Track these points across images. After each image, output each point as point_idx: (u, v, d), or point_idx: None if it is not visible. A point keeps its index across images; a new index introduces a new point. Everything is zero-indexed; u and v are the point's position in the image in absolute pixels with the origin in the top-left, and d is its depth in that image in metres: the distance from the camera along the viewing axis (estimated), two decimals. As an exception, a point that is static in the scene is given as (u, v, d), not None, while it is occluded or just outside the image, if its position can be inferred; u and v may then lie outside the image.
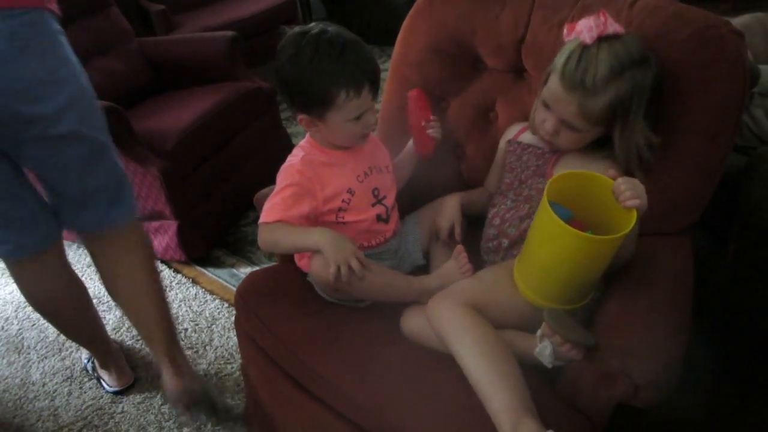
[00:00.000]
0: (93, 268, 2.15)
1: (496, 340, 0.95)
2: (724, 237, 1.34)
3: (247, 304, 1.20)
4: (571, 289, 0.97)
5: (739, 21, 1.65)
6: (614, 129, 1.04)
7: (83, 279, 2.10)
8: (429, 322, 1.01)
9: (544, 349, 0.91)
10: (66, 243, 2.29)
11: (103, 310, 1.96)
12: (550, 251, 0.95)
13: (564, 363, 0.93)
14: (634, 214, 0.88)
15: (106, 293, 2.01)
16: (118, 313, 1.93)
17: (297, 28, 1.09)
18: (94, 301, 1.99)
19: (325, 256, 1.02)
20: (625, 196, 0.89)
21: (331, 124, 1.12)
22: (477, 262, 1.19)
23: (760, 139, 1.44)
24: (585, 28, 1.01)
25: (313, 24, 1.09)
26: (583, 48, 1.02)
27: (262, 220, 1.13)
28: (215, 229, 2.25)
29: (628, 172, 1.06)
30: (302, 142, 1.22)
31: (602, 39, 1.01)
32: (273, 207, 1.12)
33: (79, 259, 2.24)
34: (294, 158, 1.19)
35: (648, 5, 1.13)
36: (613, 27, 1.01)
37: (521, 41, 1.29)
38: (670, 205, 1.09)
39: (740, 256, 1.33)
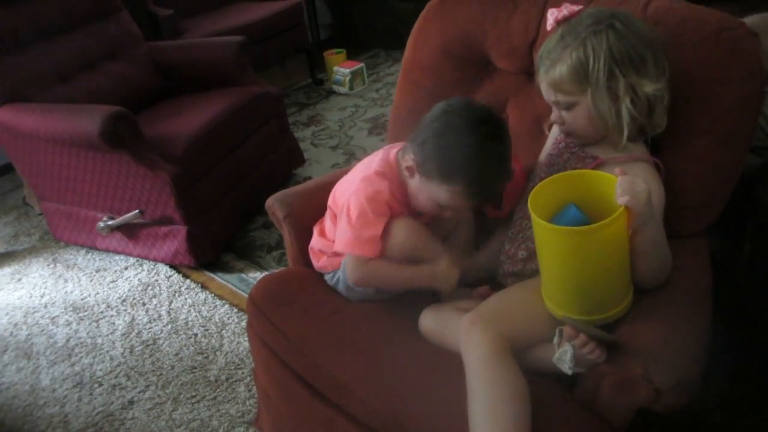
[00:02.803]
0: (101, 273, 2.16)
1: (521, 402, 0.90)
2: (740, 238, 1.33)
3: (260, 308, 1.19)
4: (586, 296, 0.95)
5: (750, 21, 1.63)
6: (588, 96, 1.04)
7: (92, 284, 2.12)
8: (461, 343, 0.98)
9: (564, 354, 0.90)
10: (75, 247, 2.33)
11: (113, 315, 1.95)
12: (547, 255, 0.95)
13: (584, 369, 0.92)
14: (623, 210, 0.86)
15: (117, 299, 2.02)
16: (127, 318, 1.93)
17: (485, 108, 1.09)
18: (103, 306, 2.00)
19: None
20: (617, 193, 0.88)
21: (421, 187, 1.10)
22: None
23: (773, 139, 1.43)
24: (546, 23, 1.09)
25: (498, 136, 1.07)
26: (548, 38, 1.08)
27: (360, 252, 1.12)
28: (224, 234, 2.25)
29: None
30: (382, 167, 1.16)
31: (561, 22, 1.07)
32: (372, 239, 1.11)
33: (87, 264, 2.24)
34: (380, 184, 1.13)
35: (662, 6, 1.13)
36: (568, 9, 1.06)
37: (532, 43, 1.29)
38: (687, 207, 1.08)
39: (756, 256, 1.32)
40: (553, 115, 1.12)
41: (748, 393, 1.39)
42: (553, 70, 1.05)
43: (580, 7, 1.06)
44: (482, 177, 1.06)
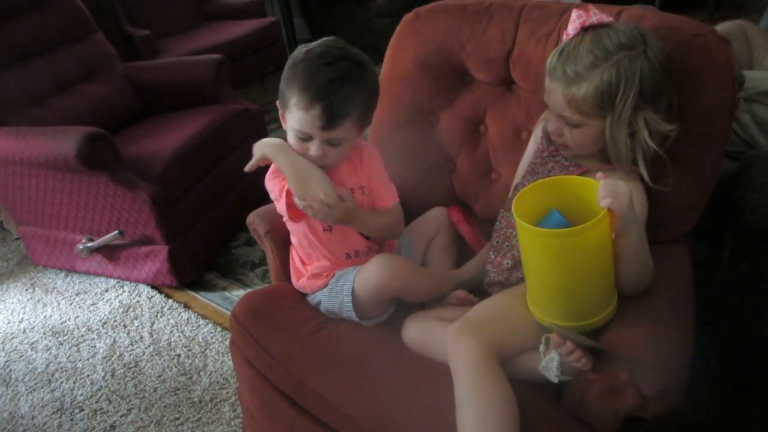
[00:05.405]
0: (81, 296, 2.13)
1: (510, 414, 0.89)
2: (718, 242, 1.34)
3: (243, 326, 1.17)
4: (572, 301, 0.95)
5: (721, 28, 1.67)
6: (606, 120, 1.00)
7: (72, 307, 2.08)
8: (449, 353, 0.97)
9: (550, 362, 0.89)
10: (53, 271, 2.29)
11: (93, 338, 1.92)
12: (532, 260, 0.95)
13: (570, 377, 0.92)
14: (606, 212, 0.86)
15: (97, 322, 1.99)
16: (109, 341, 1.90)
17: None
18: (83, 329, 1.96)
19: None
20: (599, 196, 0.87)
21: (287, 125, 1.13)
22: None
23: (748, 143, 1.46)
24: (569, 22, 1.02)
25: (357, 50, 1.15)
26: (568, 40, 1.02)
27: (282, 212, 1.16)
28: (206, 253, 2.23)
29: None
30: None
31: (587, 29, 1.01)
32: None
33: (66, 287, 2.20)
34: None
35: (633, 15, 1.14)
36: (598, 17, 1.00)
37: (509, 54, 1.30)
38: (666, 213, 1.09)
39: (735, 260, 1.33)
40: (552, 126, 1.08)
41: (729, 394, 1.40)
42: (577, 87, 0.99)
43: (611, 18, 1.01)
44: (310, 75, 1.05)
